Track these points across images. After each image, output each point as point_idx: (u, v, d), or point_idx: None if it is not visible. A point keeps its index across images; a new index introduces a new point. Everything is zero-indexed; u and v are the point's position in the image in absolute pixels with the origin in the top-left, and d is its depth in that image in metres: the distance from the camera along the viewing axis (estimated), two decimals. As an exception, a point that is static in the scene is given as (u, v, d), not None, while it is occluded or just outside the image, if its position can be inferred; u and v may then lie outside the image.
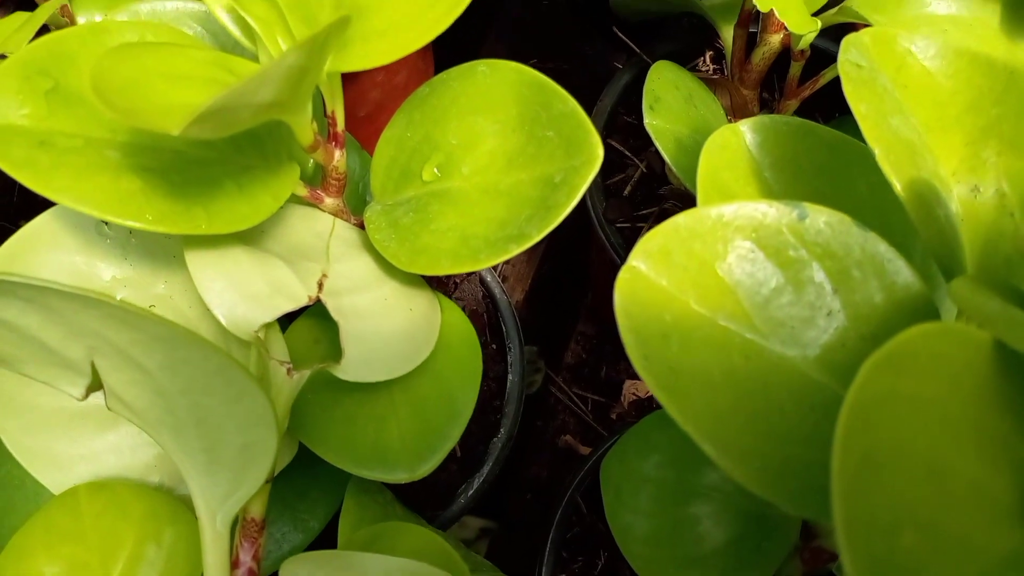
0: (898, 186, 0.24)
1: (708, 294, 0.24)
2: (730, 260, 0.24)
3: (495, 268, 0.40)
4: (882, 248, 0.24)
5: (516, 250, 0.26)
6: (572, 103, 0.27)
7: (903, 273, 0.24)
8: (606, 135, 0.47)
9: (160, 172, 0.24)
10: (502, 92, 0.28)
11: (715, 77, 0.47)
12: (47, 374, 0.23)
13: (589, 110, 0.45)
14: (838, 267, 0.24)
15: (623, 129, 0.47)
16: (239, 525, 0.25)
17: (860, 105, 0.25)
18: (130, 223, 0.22)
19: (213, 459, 0.23)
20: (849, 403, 0.17)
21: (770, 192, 0.29)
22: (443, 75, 0.29)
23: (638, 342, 0.23)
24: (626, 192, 0.46)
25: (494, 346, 0.42)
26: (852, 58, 0.27)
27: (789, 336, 0.23)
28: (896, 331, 0.19)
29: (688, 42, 0.49)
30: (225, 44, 0.30)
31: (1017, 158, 0.27)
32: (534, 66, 0.28)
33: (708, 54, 0.49)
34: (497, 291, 0.39)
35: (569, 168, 0.26)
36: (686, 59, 0.49)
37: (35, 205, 0.30)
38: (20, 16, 0.33)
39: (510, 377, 0.39)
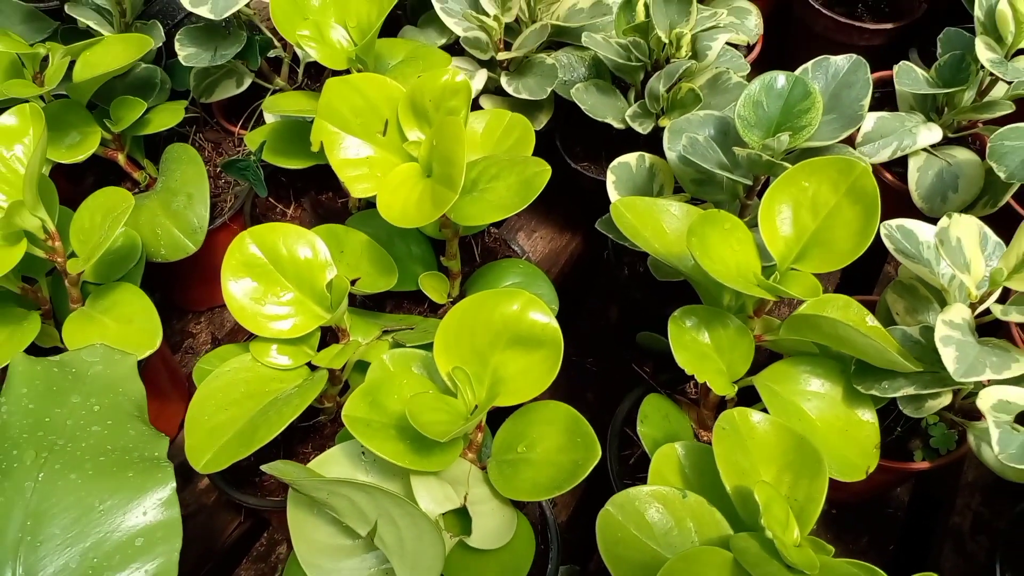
0: (728, 489, 0.55)
1: (640, 526, 0.54)
2: (650, 512, 0.54)
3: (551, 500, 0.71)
4: (718, 516, 0.54)
5: (558, 493, 0.57)
6: (589, 429, 0.59)
7: (724, 526, 0.54)
8: (623, 426, 0.78)
9: (411, 441, 0.57)
10: (559, 417, 0.60)
11: (693, 399, 0.79)
12: (353, 522, 0.54)
13: (619, 399, 0.77)
14: (700, 521, 0.54)
15: (634, 423, 0.79)
16: (416, 607, 0.55)
17: (719, 448, 0.56)
18: (400, 464, 0.55)
19: (415, 571, 0.54)
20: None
21: (686, 479, 0.60)
22: (530, 405, 0.62)
23: (606, 548, 0.53)
24: (632, 461, 0.77)
25: (542, 547, 0.71)
26: (723, 424, 0.58)
27: (671, 547, 0.53)
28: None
29: (684, 378, 0.82)
30: (435, 377, 0.64)
31: (799, 479, 0.57)
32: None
33: (693, 382, 0.82)
34: (548, 512, 0.69)
35: (586, 458, 0.58)
36: (679, 382, 0.82)
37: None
38: (335, 348, 0.69)
39: (549, 567, 0.69)
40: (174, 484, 0.47)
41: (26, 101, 0.77)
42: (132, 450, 0.49)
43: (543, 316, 0.59)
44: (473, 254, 0.91)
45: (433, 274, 0.82)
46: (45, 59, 0.84)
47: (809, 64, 0.77)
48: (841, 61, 0.77)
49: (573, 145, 1.00)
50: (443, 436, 0.53)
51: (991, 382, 0.63)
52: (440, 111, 0.71)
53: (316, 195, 0.96)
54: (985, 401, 0.61)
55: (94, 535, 0.45)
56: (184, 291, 1.01)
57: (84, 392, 0.52)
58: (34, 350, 0.73)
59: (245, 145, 0.94)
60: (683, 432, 0.72)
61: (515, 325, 0.59)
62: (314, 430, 0.78)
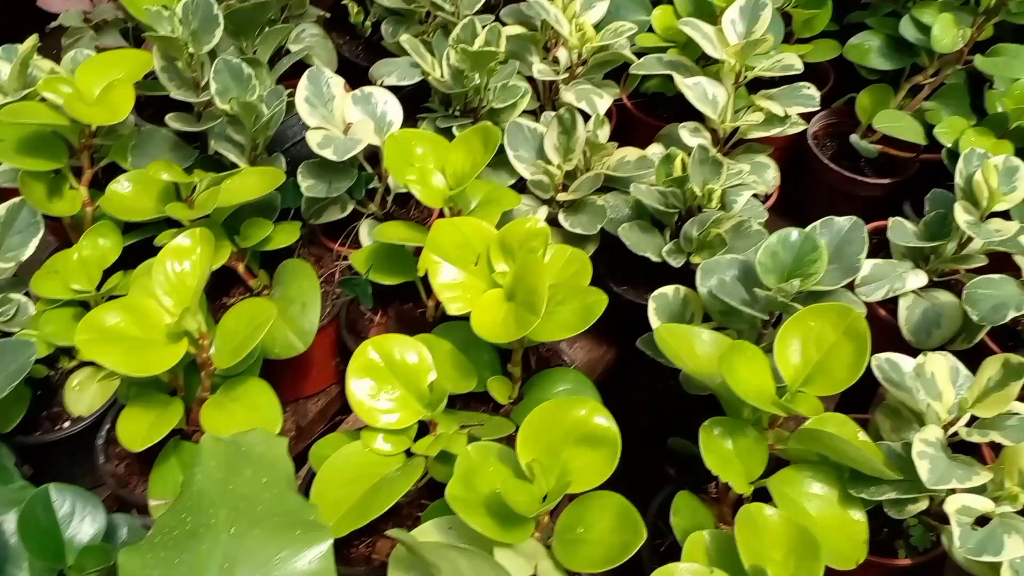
0: (746, 567, 0.69)
1: (677, 594, 0.69)
2: (685, 583, 0.69)
3: None
4: (739, 588, 0.69)
5: (610, 567, 0.72)
6: (637, 516, 0.74)
7: (744, 598, 0.68)
8: (655, 519, 0.93)
9: (496, 518, 0.72)
10: (612, 505, 0.76)
11: (714, 497, 0.94)
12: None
13: (647, 496, 0.92)
14: (725, 592, 0.69)
15: (664, 516, 0.93)
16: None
17: (740, 535, 0.71)
18: (489, 536, 0.70)
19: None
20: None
21: (711, 559, 0.74)
22: (587, 494, 0.77)
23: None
24: (662, 549, 0.91)
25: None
26: (743, 516, 0.73)
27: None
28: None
29: (706, 479, 0.97)
30: (511, 465, 0.79)
31: (801, 562, 0.71)
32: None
33: (713, 483, 0.97)
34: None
35: (633, 539, 0.73)
36: (702, 482, 0.96)
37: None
38: (429, 438, 0.85)
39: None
40: (331, 542, 0.62)
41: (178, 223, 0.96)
42: (294, 514, 0.65)
43: (605, 420, 0.76)
44: (530, 362, 1.07)
45: (499, 378, 0.98)
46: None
47: (817, 223, 0.95)
48: (843, 221, 0.95)
49: (615, 271, 1.18)
50: (529, 513, 0.68)
51: (957, 490, 0.78)
52: (523, 249, 0.89)
53: (400, 305, 1.13)
54: (951, 506, 0.76)
55: (274, 577, 0.60)
56: (274, 384, 1.17)
57: (254, 467, 0.68)
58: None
59: (346, 260, 1.13)
60: (707, 524, 0.86)
61: (583, 427, 0.76)
62: (393, 510, 0.92)
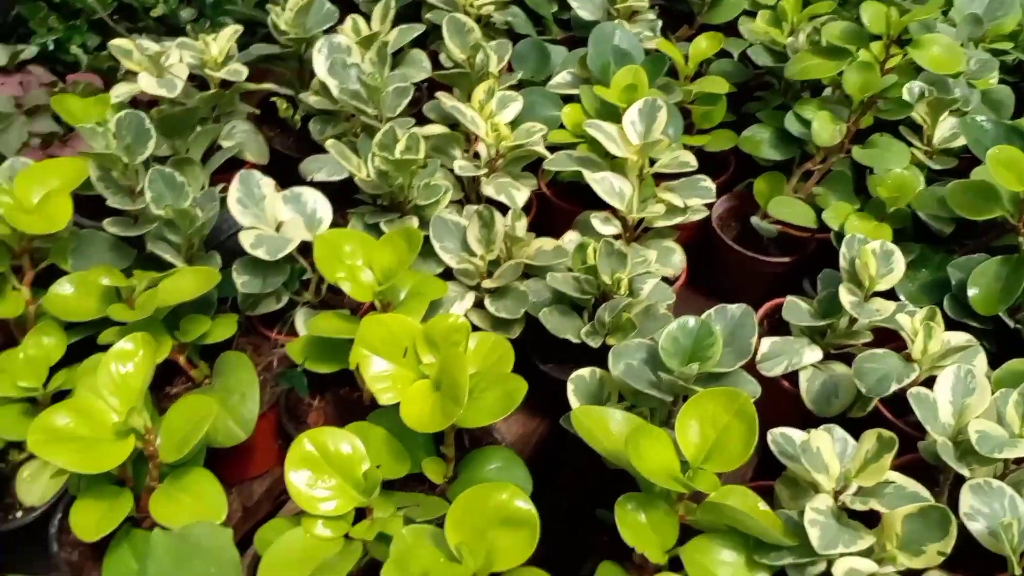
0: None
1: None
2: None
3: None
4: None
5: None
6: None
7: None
8: (582, 585, 1.00)
9: None
10: (535, 579, 0.83)
11: (639, 564, 1.01)
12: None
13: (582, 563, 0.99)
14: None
15: (590, 583, 1.00)
16: None
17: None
18: None
19: None
20: None
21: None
22: (515, 570, 0.84)
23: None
24: (588, 615, 0.98)
25: None
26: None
27: None
28: None
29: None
30: (442, 546, 0.85)
31: None
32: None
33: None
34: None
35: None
36: (631, 551, 1.04)
37: None
38: (366, 523, 0.90)
39: None
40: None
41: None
42: (240, 603, 0.70)
43: (525, 503, 0.83)
44: (463, 441, 1.14)
45: (434, 459, 1.05)
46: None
47: (712, 310, 1.05)
48: (735, 309, 1.05)
49: (540, 350, 1.26)
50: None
51: (845, 554, 0.87)
52: (447, 342, 0.97)
53: (337, 390, 1.19)
54: (839, 568, 0.85)
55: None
56: (220, 468, 1.21)
57: (202, 558, 0.74)
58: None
59: (283, 349, 1.18)
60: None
61: (505, 510, 0.83)
62: (337, 588, 0.97)
